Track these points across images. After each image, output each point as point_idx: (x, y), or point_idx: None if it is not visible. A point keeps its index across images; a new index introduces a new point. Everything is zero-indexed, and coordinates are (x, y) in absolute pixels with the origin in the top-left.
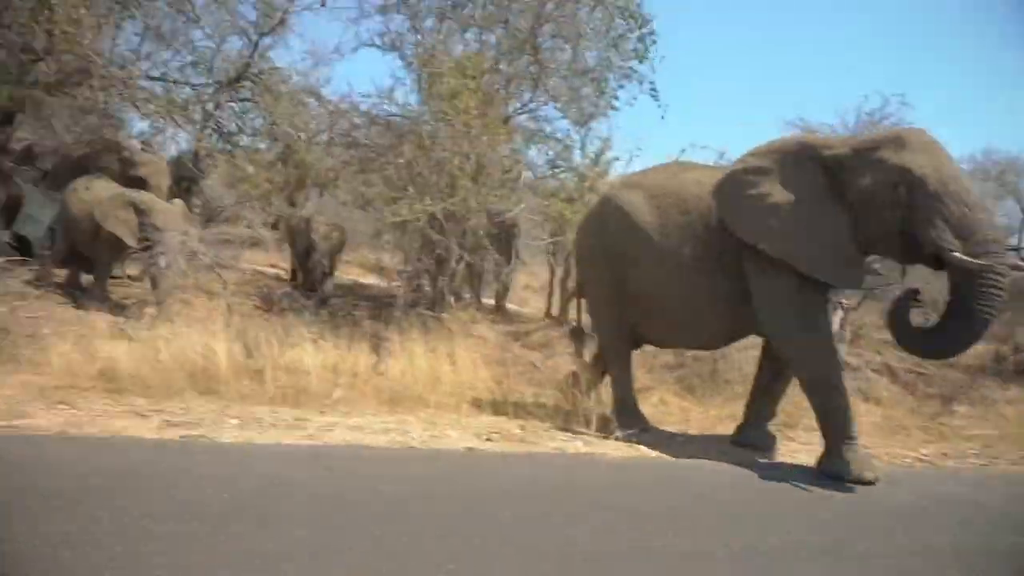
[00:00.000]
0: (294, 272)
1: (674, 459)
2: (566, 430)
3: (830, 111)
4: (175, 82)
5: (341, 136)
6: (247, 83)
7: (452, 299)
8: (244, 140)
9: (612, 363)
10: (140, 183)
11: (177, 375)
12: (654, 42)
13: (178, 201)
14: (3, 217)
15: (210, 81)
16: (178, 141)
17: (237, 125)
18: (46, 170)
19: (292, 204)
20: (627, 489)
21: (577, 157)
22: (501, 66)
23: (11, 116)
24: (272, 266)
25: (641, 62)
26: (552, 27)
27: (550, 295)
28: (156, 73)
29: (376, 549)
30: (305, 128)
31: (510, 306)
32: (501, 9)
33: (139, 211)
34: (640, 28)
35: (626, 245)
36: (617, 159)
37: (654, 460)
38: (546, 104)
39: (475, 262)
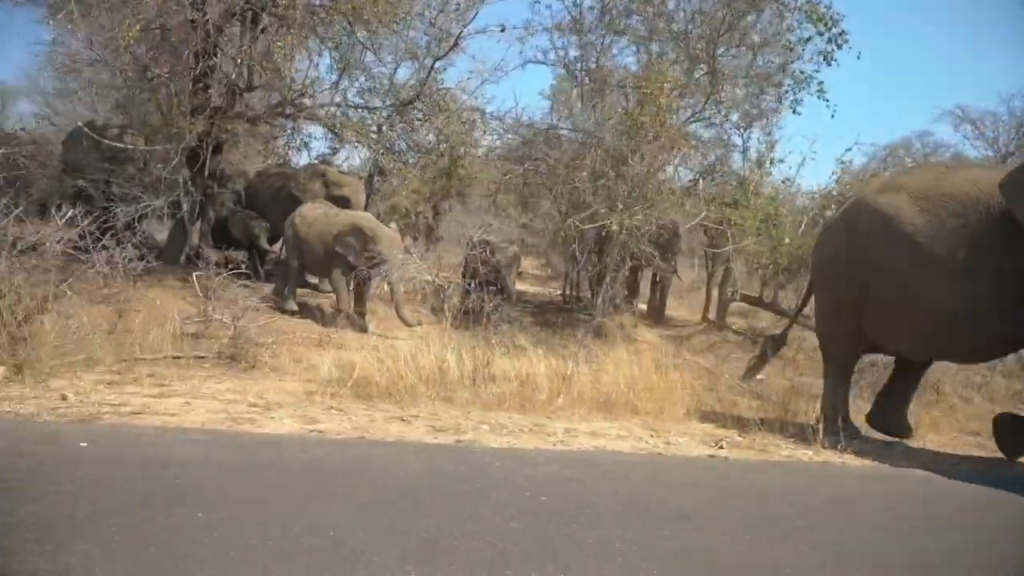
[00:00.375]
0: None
1: (920, 469)
2: (785, 437)
3: (992, 98)
4: (357, 107)
5: (510, 150)
6: (419, 103)
7: (611, 306)
8: (411, 158)
9: (832, 373)
10: (344, 202)
11: (417, 383)
12: (846, 42)
13: (394, 226)
14: (213, 237)
15: (386, 103)
16: (350, 160)
17: (407, 143)
18: (237, 191)
19: (436, 213)
20: (897, 498)
21: (738, 161)
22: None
23: (220, 146)
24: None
25: (829, 64)
26: (730, 36)
27: (707, 300)
28: (339, 99)
29: (714, 553)
30: (472, 143)
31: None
32: (673, 22)
33: (366, 237)
34: (829, 29)
35: (881, 251)
36: (782, 161)
37: (896, 470)
38: (719, 112)
39: (639, 268)
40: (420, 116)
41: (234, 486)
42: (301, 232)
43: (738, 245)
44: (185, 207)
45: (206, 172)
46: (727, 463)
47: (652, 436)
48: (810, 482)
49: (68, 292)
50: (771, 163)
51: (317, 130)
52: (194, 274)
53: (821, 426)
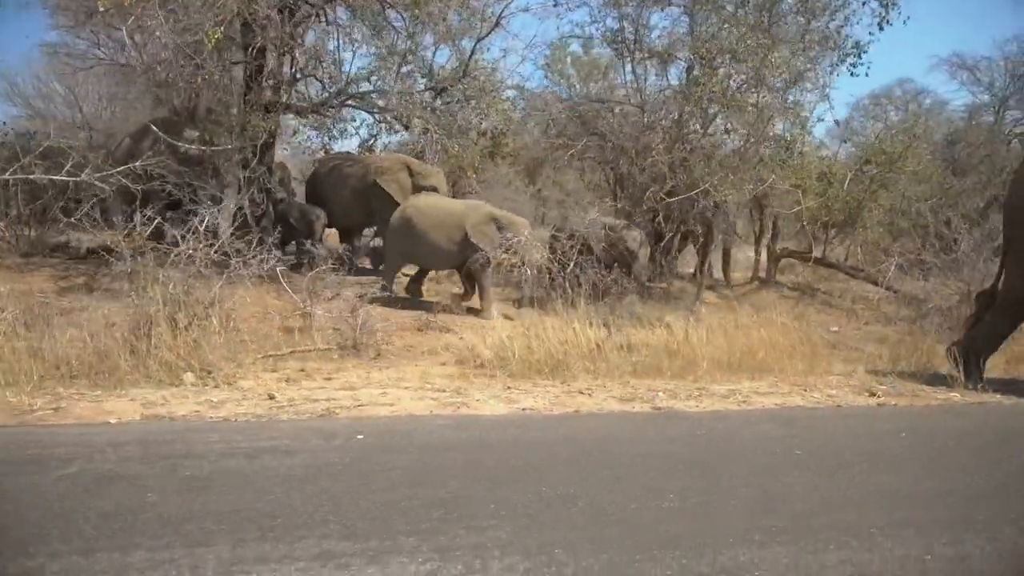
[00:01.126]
0: None
1: None
2: (920, 382)
3: (988, 44)
4: (400, 93)
5: (559, 126)
6: (462, 84)
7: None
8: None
9: (1005, 319)
10: (432, 192)
11: (574, 358)
12: (895, 4)
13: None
14: (273, 228)
15: (430, 86)
16: (388, 144)
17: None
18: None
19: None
20: None
21: (778, 123)
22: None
23: (272, 141)
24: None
25: (882, 29)
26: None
27: (757, 260)
28: (393, 85)
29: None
30: (512, 120)
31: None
32: None
33: (500, 226)
34: None
35: None
36: (821, 119)
37: None
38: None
39: (695, 235)
40: (462, 97)
41: (573, 461)
42: (416, 222)
43: (801, 206)
44: (245, 203)
45: (266, 166)
46: (891, 410)
47: (808, 391)
48: (997, 421)
49: (217, 295)
50: (813, 124)
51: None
52: (306, 272)
53: (962, 369)
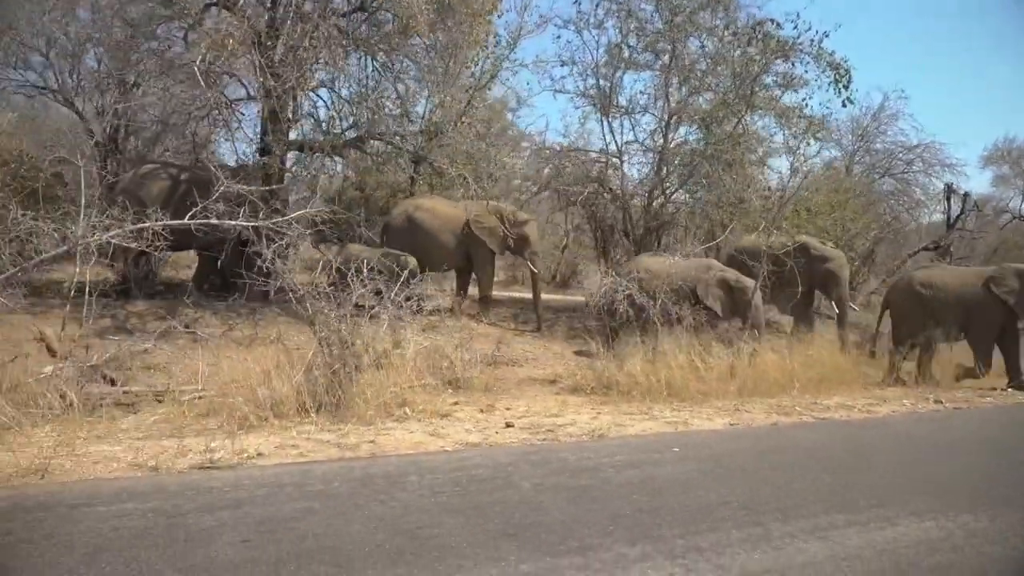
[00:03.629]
0: None
1: None
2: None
3: None
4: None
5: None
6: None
7: None
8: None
9: None
10: (524, 240)
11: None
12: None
13: None
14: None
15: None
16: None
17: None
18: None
19: None
20: None
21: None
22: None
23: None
24: None
25: (844, 106)
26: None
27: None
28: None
29: None
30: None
31: None
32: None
33: (731, 288)
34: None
35: None
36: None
37: None
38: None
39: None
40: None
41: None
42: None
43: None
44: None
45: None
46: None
47: (871, 403)
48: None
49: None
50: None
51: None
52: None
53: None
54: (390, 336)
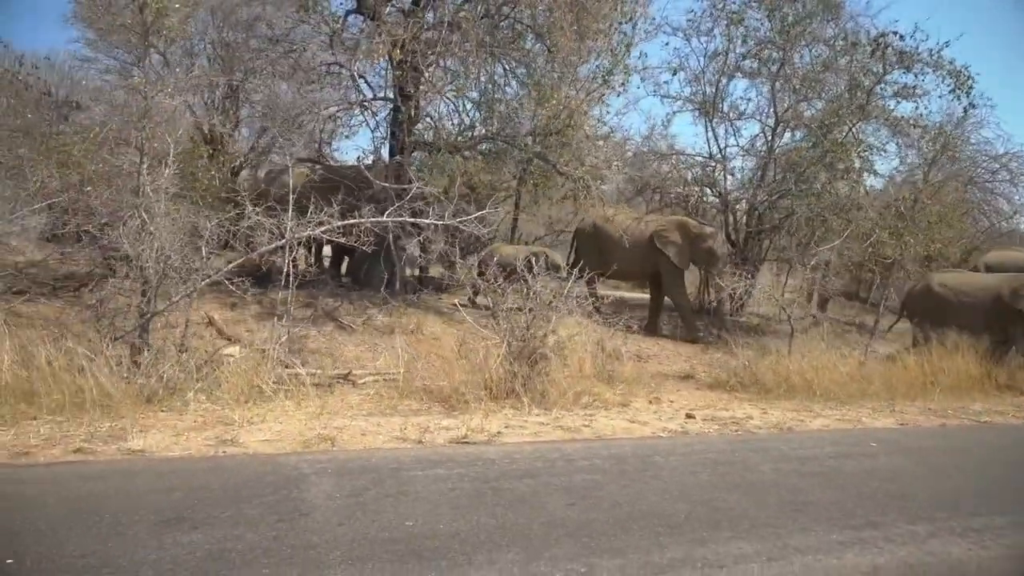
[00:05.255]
0: None
1: None
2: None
3: None
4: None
5: None
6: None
7: None
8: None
9: None
10: (710, 254)
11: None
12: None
13: None
14: None
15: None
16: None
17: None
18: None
19: None
20: None
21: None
22: None
23: None
24: None
25: (965, 113)
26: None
27: (809, 297)
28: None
29: None
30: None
31: None
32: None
33: None
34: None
35: None
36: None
37: None
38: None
39: None
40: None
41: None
42: (944, 297)
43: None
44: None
45: None
46: None
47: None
48: None
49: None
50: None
51: None
52: None
53: None
54: (563, 330)
